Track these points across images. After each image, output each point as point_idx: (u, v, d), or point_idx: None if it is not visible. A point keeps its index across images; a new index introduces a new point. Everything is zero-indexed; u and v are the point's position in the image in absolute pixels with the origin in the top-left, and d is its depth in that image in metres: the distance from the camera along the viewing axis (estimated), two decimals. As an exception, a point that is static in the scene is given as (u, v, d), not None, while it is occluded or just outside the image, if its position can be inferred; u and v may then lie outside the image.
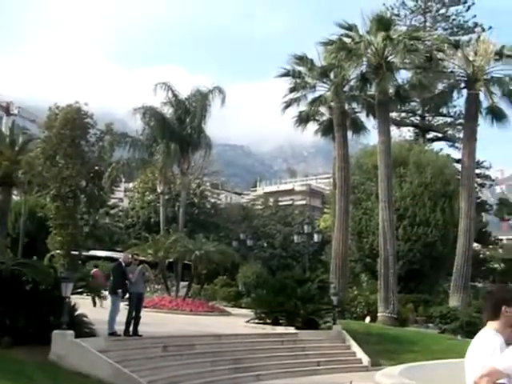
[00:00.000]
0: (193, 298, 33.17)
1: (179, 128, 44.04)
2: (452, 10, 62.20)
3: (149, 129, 44.71)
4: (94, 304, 21.66)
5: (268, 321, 24.87)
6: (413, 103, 55.63)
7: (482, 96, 38.51)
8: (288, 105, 40.70)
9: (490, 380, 4.06)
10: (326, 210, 75.46)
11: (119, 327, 17.40)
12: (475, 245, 57.91)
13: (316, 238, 43.41)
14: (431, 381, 11.90)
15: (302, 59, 39.75)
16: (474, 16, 61.52)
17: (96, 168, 31.27)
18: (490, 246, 67.80)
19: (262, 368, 19.32)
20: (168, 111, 45.19)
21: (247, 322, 25.39)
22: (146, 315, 19.12)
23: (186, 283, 34.13)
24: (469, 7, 61.85)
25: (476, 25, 59.33)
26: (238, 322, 25.77)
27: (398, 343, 24.23)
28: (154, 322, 20.71)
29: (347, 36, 37.45)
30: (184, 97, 45.13)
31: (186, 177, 45.80)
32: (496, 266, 65.91)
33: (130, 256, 19.44)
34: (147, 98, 56.51)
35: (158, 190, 48.08)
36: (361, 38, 36.83)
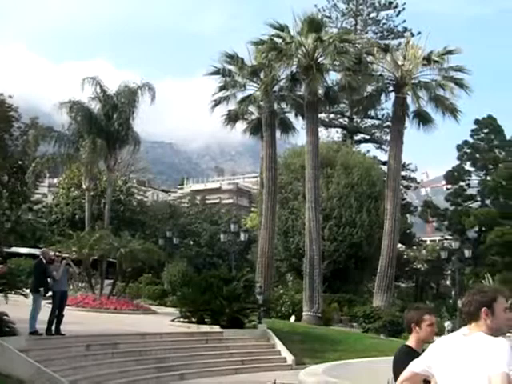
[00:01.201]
0: (117, 297, 32.70)
1: (107, 124, 43.53)
2: (382, 14, 63.43)
3: (75, 124, 44.04)
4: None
5: (193, 320, 24.67)
6: (341, 105, 56.30)
7: (409, 100, 39.15)
8: (217, 103, 40.61)
9: None
10: (252, 209, 75.81)
11: (41, 326, 16.99)
12: (400, 246, 59.05)
13: (242, 236, 43.38)
14: (354, 378, 12.01)
15: (232, 58, 39.68)
16: (404, 21, 62.93)
17: (19, 162, 30.59)
18: (414, 247, 69.29)
19: (186, 367, 19.17)
20: (96, 106, 44.65)
21: (172, 320, 25.17)
22: (68, 314, 18.76)
23: (111, 281, 33.61)
24: (399, 12, 63.19)
25: (405, 30, 60.73)
26: (163, 321, 25.52)
27: (322, 342, 24.41)
28: (77, 320, 20.32)
29: (278, 36, 37.57)
30: (112, 92, 44.61)
31: (112, 173, 45.30)
32: (419, 266, 67.39)
33: (52, 253, 19.00)
34: (75, 93, 55.65)
35: (84, 186, 47.36)
36: (292, 38, 36.98)
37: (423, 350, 5.04)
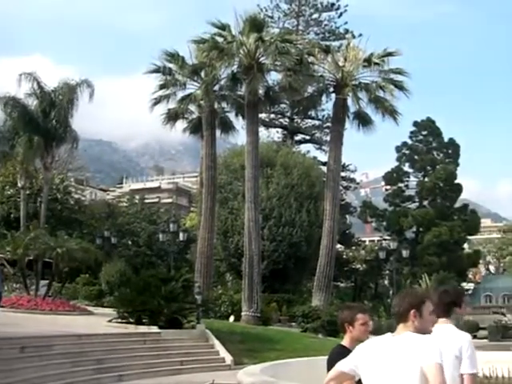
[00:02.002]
0: (53, 297, 32.03)
1: (44, 121, 42.72)
2: (325, 15, 63.76)
3: (10, 120, 43.08)
4: None
5: (131, 320, 24.35)
6: (282, 105, 56.56)
7: (349, 101, 39.60)
8: (157, 102, 40.33)
9: None
10: (192, 209, 75.42)
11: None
12: (339, 246, 59.51)
13: (181, 236, 43.14)
14: (292, 378, 11.96)
15: (173, 56, 39.45)
16: (346, 23, 63.35)
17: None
18: (353, 248, 69.86)
19: (124, 368, 18.89)
20: (33, 103, 43.74)
21: (109, 321, 24.78)
22: (2, 315, 18.35)
23: (47, 282, 32.93)
24: (341, 14, 63.59)
25: (347, 31, 61.05)
26: (101, 322, 25.09)
27: (261, 342, 24.38)
28: (11, 322, 19.84)
29: (220, 35, 37.50)
30: (50, 89, 43.80)
31: (49, 171, 44.47)
32: (358, 266, 67.99)
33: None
34: (11, 89, 54.39)
35: (19, 185, 46.36)
36: (233, 38, 36.95)
37: None
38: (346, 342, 5.70)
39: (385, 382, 4.27)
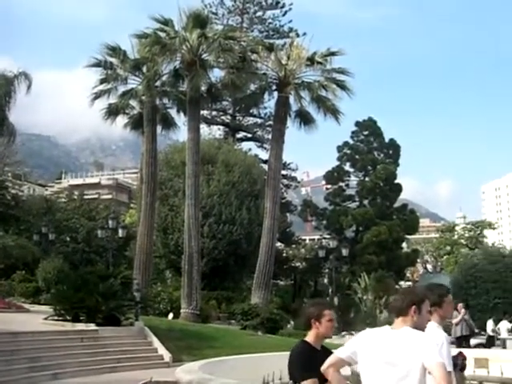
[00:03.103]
0: (-12, 294, 31.41)
1: (-21, 114, 41.65)
2: (269, 13, 64.05)
3: None
4: None
5: (68, 318, 23.95)
6: (224, 102, 56.51)
7: (291, 99, 39.69)
8: (98, 96, 39.73)
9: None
10: (132, 206, 74.78)
11: None
12: (279, 244, 59.76)
13: (121, 233, 42.60)
14: (230, 375, 11.93)
15: (114, 50, 38.95)
16: (290, 21, 63.77)
17: None
18: (293, 246, 70.19)
19: (59, 366, 18.53)
20: (-34, 95, 42.65)
21: (46, 318, 24.32)
22: None
23: (-19, 278, 32.27)
24: (285, 12, 63.96)
25: (291, 30, 61.52)
26: (37, 319, 24.59)
27: (200, 339, 24.27)
28: None
29: (162, 30, 37.10)
30: (-15, 80, 42.77)
31: (-16, 165, 43.44)
32: (298, 264, 68.34)
33: None
34: None
35: (-47, 179, 45.27)
36: (176, 33, 36.61)
37: (322, 347, 5.70)
38: (310, 338, 5.64)
39: (385, 374, 4.64)
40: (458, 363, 6.09)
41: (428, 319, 5.12)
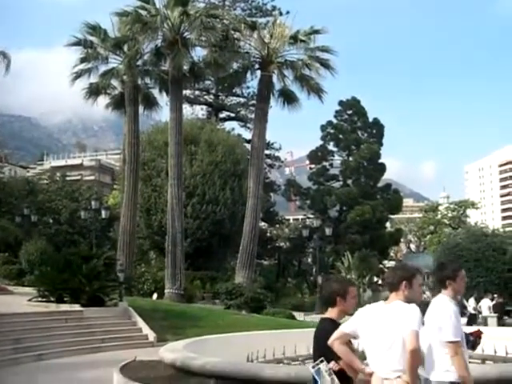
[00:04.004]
0: (-30, 276, 31.23)
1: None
2: (252, -9, 63.25)
3: None
4: None
5: (52, 299, 23.89)
6: (207, 82, 56.11)
7: (274, 78, 39.45)
8: (78, 76, 39.26)
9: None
10: (115, 187, 74.41)
11: None
12: (262, 224, 59.76)
13: (104, 214, 42.41)
14: (214, 353, 11.94)
15: (94, 29, 38.52)
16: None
17: None
18: (277, 226, 70.27)
19: (44, 347, 18.45)
20: None
21: (30, 300, 24.23)
22: None
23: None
24: (269, -10, 63.21)
25: (274, 8, 61.10)
26: (20, 301, 24.49)
27: (185, 319, 24.26)
28: None
29: (143, 8, 36.72)
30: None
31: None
32: (282, 244, 68.49)
33: None
34: None
35: None
36: (157, 11, 36.26)
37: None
38: (333, 315, 5.71)
39: (377, 345, 5.14)
40: (471, 340, 6.27)
41: (420, 293, 5.40)
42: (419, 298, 5.35)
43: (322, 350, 5.49)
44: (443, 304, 5.75)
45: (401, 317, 5.01)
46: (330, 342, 5.29)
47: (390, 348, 5.02)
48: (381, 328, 5.10)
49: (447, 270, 5.98)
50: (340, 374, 5.34)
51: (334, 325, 5.56)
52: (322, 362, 5.33)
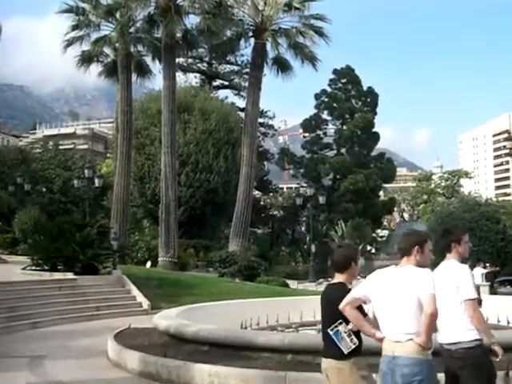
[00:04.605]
0: (-36, 245, 31.20)
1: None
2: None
3: None
4: None
5: (46, 267, 23.88)
6: (200, 49, 55.66)
7: (268, 46, 39.14)
8: (70, 43, 38.90)
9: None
10: (109, 155, 74.23)
11: None
12: (256, 192, 59.77)
13: (97, 182, 42.18)
14: (208, 320, 11.99)
15: (86, -5, 38.12)
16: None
17: None
18: (271, 194, 70.33)
19: (39, 315, 18.44)
20: None
21: (24, 269, 24.22)
22: None
23: (-44, 229, 31.98)
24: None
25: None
26: (14, 270, 24.45)
27: (178, 287, 24.31)
28: None
29: (136, -26, 36.27)
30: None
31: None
32: (275, 213, 68.60)
33: None
34: None
35: None
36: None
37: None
38: (344, 279, 5.77)
39: (389, 308, 5.19)
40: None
41: (431, 258, 5.47)
42: (429, 262, 5.44)
43: (332, 313, 5.56)
44: (456, 265, 5.89)
45: (415, 280, 5.10)
46: (341, 306, 5.37)
47: (403, 311, 5.11)
48: (393, 292, 5.17)
49: (452, 234, 6.15)
50: (359, 334, 5.51)
51: (345, 288, 5.64)
52: (340, 323, 5.45)
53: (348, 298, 5.37)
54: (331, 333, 5.47)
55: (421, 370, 5.03)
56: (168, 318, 12.47)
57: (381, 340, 5.27)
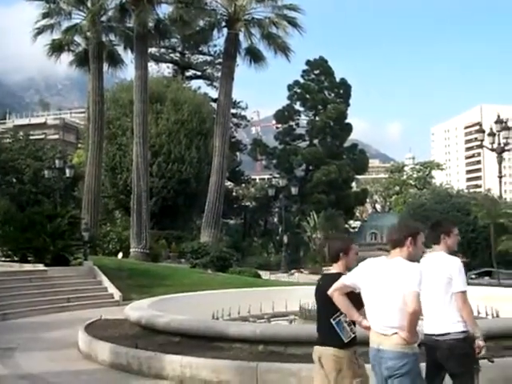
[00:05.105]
0: None
1: None
2: None
3: None
4: None
5: (16, 258, 23.72)
6: (173, 39, 55.40)
7: (241, 37, 39.06)
8: (40, 32, 38.46)
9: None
10: (80, 146, 73.64)
11: None
12: (228, 183, 59.71)
13: (68, 172, 41.75)
14: (180, 311, 11.94)
15: (57, -17, 37.67)
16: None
17: None
18: (243, 185, 70.29)
19: (9, 307, 18.26)
20: None
21: (-8, 260, 24.03)
22: None
23: None
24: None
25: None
26: (-17, 262, 24.24)
27: (150, 278, 24.23)
28: None
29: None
30: None
31: None
32: (248, 203, 68.59)
33: None
34: None
35: None
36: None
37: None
38: (339, 269, 5.83)
39: (375, 301, 5.20)
40: None
41: (423, 250, 5.51)
42: (421, 254, 5.49)
43: (330, 303, 5.60)
44: (448, 257, 5.88)
45: (402, 275, 5.07)
46: (329, 292, 5.42)
47: (388, 305, 5.10)
48: (381, 283, 5.18)
49: (442, 226, 6.14)
50: (354, 325, 5.57)
51: (339, 276, 5.66)
52: (342, 313, 5.48)
53: (337, 284, 5.42)
54: (333, 322, 5.54)
55: (405, 363, 5.08)
56: (139, 309, 12.40)
57: (367, 328, 5.32)
